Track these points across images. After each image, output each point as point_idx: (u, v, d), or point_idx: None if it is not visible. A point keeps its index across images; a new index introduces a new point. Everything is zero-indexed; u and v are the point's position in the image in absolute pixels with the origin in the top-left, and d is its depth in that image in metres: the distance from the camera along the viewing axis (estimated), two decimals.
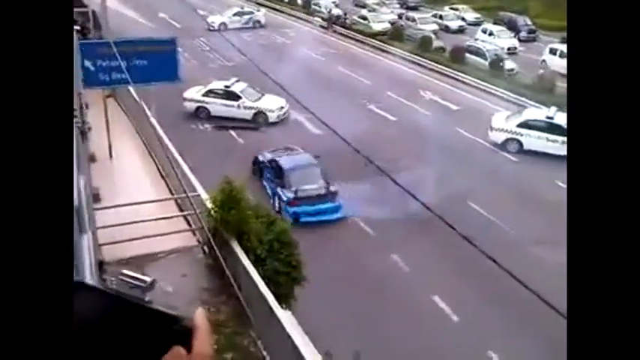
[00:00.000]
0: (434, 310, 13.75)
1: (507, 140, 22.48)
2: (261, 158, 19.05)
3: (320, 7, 43.74)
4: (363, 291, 13.94)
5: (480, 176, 19.96)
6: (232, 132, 23.22)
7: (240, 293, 9.32)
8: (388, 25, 38.19)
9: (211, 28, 37.67)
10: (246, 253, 9.81)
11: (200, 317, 0.91)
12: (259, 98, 24.32)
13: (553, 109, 23.20)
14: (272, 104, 24.03)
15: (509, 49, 35.22)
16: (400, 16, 41.37)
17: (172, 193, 13.10)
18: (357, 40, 37.47)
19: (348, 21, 40.56)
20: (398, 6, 46.47)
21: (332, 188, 16.84)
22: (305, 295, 10.84)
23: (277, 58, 29.18)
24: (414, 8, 45.48)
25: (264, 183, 18.37)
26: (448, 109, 26.47)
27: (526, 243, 15.89)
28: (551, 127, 22.06)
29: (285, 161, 17.88)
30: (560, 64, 31.57)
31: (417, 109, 26.00)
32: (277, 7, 45.93)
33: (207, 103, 24.31)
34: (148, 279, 0.88)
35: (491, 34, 36.75)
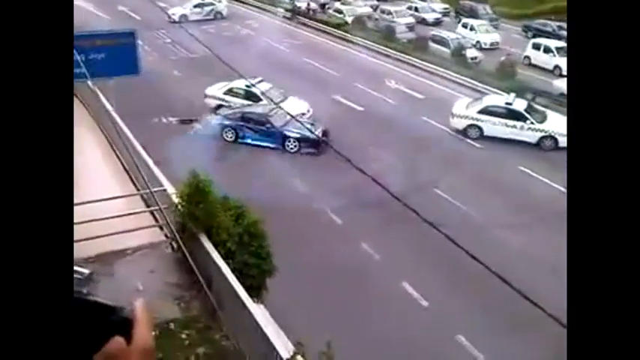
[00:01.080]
0: (404, 295, 13.96)
1: (468, 127, 22.83)
2: None
3: None
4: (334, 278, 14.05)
5: (444, 163, 20.27)
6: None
7: (209, 287, 9.26)
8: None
9: (172, 20, 36.99)
10: (216, 246, 9.74)
11: (140, 308, 0.91)
12: (282, 100, 22.43)
13: (512, 95, 23.71)
14: (295, 108, 22.18)
15: (492, 44, 34.29)
16: (375, 9, 40.59)
17: (138, 189, 12.87)
18: (323, 31, 37.36)
19: (311, 12, 40.29)
20: None
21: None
22: (276, 283, 10.87)
23: (242, 50, 28.89)
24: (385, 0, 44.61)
25: None
26: (413, 97, 26.72)
27: (493, 227, 16.24)
28: (510, 113, 22.53)
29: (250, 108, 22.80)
30: (545, 61, 30.81)
31: (383, 98, 26.17)
32: None
33: (227, 101, 23.78)
34: (85, 271, 0.88)
35: (472, 28, 35.44)
